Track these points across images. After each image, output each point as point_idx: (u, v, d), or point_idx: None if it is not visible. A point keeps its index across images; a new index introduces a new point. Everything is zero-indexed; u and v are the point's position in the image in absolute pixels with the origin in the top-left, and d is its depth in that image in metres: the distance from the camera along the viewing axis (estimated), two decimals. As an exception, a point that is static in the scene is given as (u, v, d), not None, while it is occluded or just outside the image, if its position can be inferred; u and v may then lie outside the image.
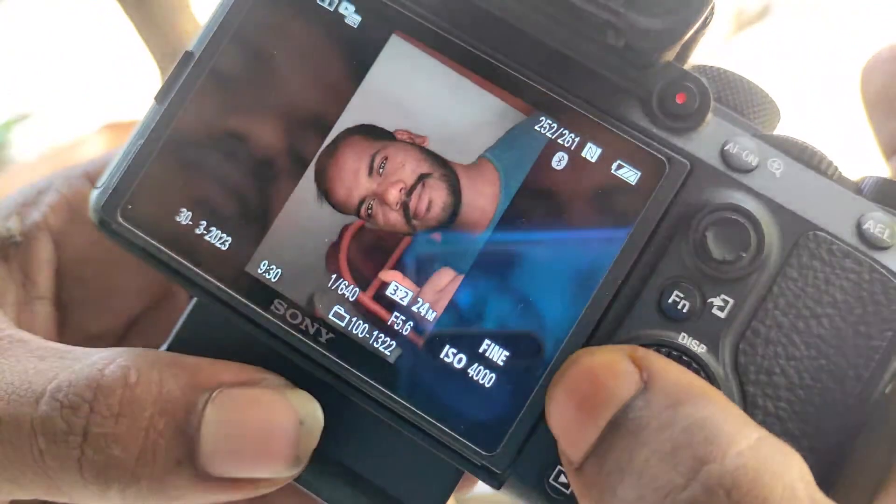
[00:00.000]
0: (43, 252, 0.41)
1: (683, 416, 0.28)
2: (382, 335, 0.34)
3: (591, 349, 0.32)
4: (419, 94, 0.35)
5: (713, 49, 2.06)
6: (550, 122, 0.34)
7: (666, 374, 0.30)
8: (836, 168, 0.35)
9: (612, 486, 0.28)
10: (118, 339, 0.44)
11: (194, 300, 0.37)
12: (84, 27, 1.95)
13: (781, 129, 0.38)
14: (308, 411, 0.34)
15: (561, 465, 0.33)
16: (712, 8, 0.33)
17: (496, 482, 0.34)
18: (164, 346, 0.37)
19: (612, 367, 0.30)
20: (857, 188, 0.35)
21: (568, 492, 0.33)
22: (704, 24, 0.34)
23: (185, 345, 0.37)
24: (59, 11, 1.97)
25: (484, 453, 0.33)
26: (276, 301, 0.35)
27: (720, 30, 2.17)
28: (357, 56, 0.35)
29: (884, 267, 0.33)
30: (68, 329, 0.42)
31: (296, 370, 0.35)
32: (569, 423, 0.31)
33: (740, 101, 0.37)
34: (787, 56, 1.82)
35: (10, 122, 1.68)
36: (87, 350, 0.34)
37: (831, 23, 1.85)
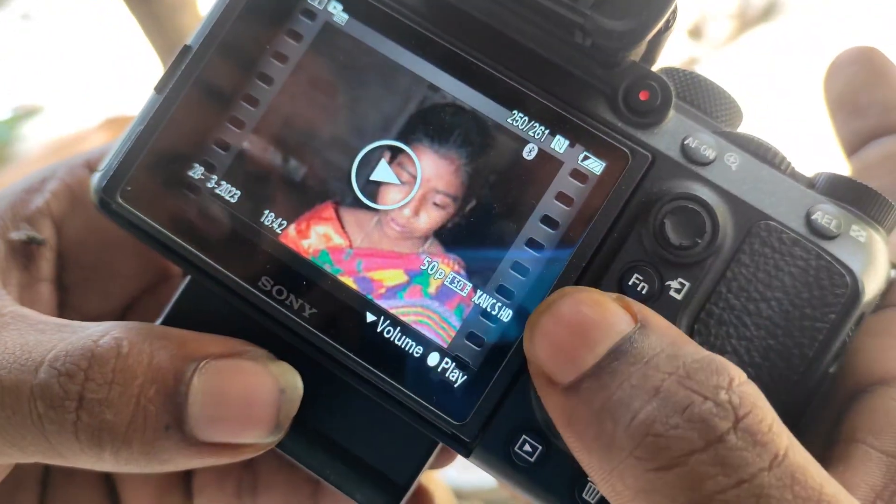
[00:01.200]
0: (45, 236, 0.43)
1: (689, 353, 0.31)
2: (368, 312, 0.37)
3: (578, 287, 0.34)
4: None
5: (718, 49, 2.08)
6: (522, 115, 0.37)
7: (658, 320, 0.32)
8: (790, 164, 0.38)
9: (624, 401, 0.30)
10: (116, 320, 0.46)
11: (187, 279, 0.40)
12: (90, 24, 1.96)
13: (745, 129, 0.40)
14: (288, 381, 0.37)
15: (526, 434, 0.35)
16: (674, 10, 0.36)
17: (465, 450, 0.36)
18: (158, 321, 0.40)
19: (605, 303, 0.32)
20: (811, 183, 0.37)
21: (532, 460, 0.35)
22: (667, 27, 0.37)
23: (177, 320, 0.39)
24: (67, 9, 1.98)
25: (454, 422, 0.36)
26: (263, 278, 0.37)
27: (725, 30, 2.18)
28: (343, 51, 0.38)
29: (829, 254, 0.35)
30: (68, 310, 0.44)
31: (280, 344, 0.37)
32: (559, 347, 0.32)
33: (705, 101, 0.40)
34: (793, 55, 1.83)
35: (19, 117, 1.70)
36: (84, 324, 0.36)
37: (837, 21, 1.86)
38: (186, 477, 0.48)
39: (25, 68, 1.87)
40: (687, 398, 0.29)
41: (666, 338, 0.31)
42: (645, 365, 0.30)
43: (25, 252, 0.42)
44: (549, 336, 0.32)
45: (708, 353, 0.31)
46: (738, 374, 0.30)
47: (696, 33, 2.26)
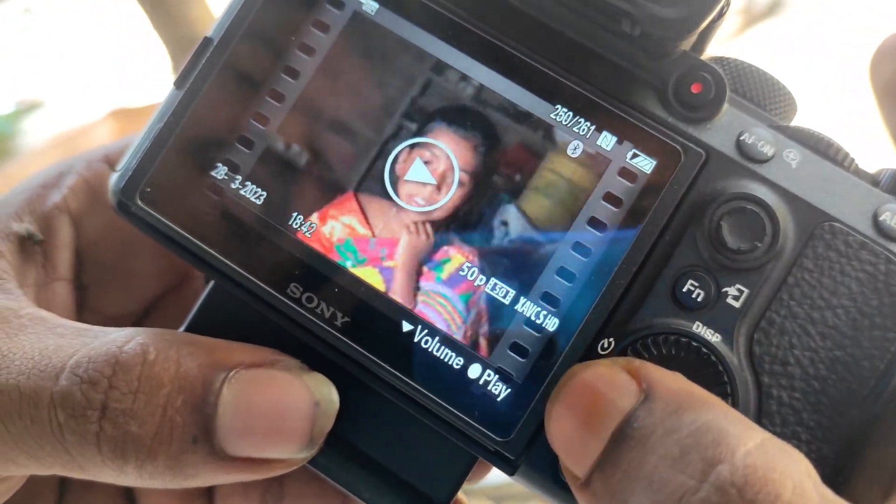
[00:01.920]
0: (62, 234, 0.41)
1: (688, 422, 0.28)
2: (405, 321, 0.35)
3: (586, 363, 0.32)
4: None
5: (723, 44, 2.06)
6: (566, 110, 0.34)
7: (665, 382, 0.30)
8: (853, 160, 0.36)
9: (622, 497, 0.28)
10: (136, 322, 0.45)
11: (211, 283, 0.38)
12: (95, 16, 1.95)
13: (798, 122, 0.38)
14: (323, 393, 0.35)
15: None
16: (728, -2, 0.34)
17: (510, 468, 0.34)
18: (182, 328, 0.38)
19: (610, 378, 0.31)
20: (874, 180, 0.35)
21: None
22: (721, 15, 0.35)
23: (201, 327, 0.37)
24: (68, 2, 1.98)
25: (498, 439, 0.34)
26: (292, 285, 0.35)
27: (730, 25, 2.17)
28: (373, 43, 0.36)
29: None
30: (87, 311, 0.43)
31: (311, 353, 0.35)
32: (571, 438, 0.31)
33: (757, 92, 0.37)
34: (798, 51, 1.82)
35: (20, 111, 1.68)
36: (106, 328, 0.35)
37: (842, 17, 1.85)
38: (209, 487, 0.45)
39: (27, 63, 1.86)
40: (679, 487, 0.27)
41: (669, 406, 0.29)
42: (642, 448, 0.29)
43: (25, 247, 0.40)
44: (561, 428, 0.31)
45: (711, 416, 0.29)
46: (745, 441, 0.28)
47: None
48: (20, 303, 0.36)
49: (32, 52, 1.87)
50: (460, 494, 0.43)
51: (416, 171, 0.36)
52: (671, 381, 0.30)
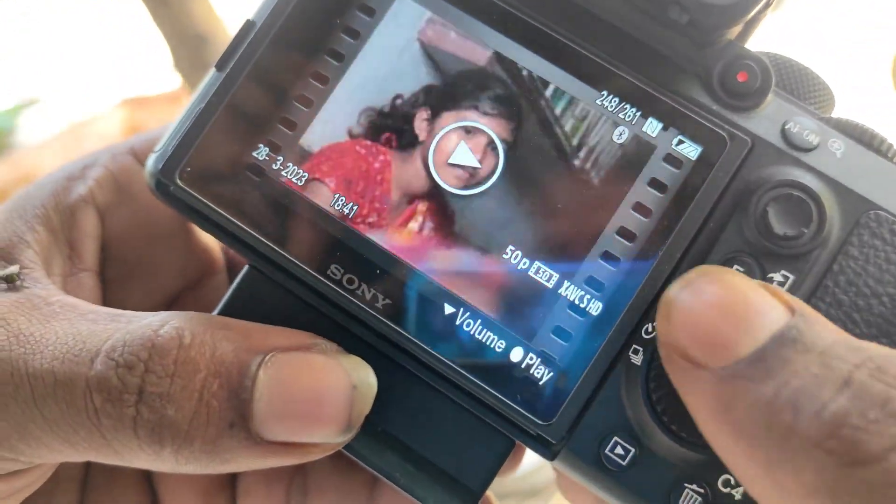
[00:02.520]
0: (88, 225, 0.41)
1: (871, 347, 0.29)
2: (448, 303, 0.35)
3: (718, 267, 0.32)
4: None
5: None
6: (612, 96, 0.35)
7: (815, 313, 0.30)
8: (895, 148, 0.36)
9: (806, 390, 0.27)
10: None
11: (245, 268, 0.38)
12: (93, 11, 1.95)
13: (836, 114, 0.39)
14: (361, 377, 0.35)
15: (618, 435, 0.34)
16: (775, -14, 0.34)
17: (550, 453, 0.34)
18: (216, 312, 0.38)
19: (755, 287, 0.30)
20: None
21: (624, 463, 0.34)
22: (768, 4, 0.35)
23: (235, 311, 0.37)
24: (70, 16, 1.97)
25: (540, 423, 0.34)
26: (332, 266, 0.35)
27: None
28: (419, 27, 0.36)
29: None
30: (110, 304, 0.42)
31: (347, 338, 0.36)
32: (707, 328, 0.30)
33: (797, 85, 0.38)
34: (799, 45, 1.82)
35: (18, 107, 1.68)
36: (138, 313, 0.35)
37: (843, 13, 1.86)
38: (231, 479, 0.46)
39: (27, 61, 1.86)
40: (885, 392, 0.27)
41: (834, 330, 0.29)
42: (823, 354, 0.28)
43: (70, 240, 0.40)
44: (694, 316, 0.30)
45: (875, 348, 0.28)
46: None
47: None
48: (49, 290, 0.36)
49: (31, 50, 1.87)
50: (488, 493, 0.43)
51: (461, 155, 0.36)
52: (820, 315, 0.30)
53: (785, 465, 0.27)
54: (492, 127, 0.36)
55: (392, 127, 0.36)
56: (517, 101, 0.36)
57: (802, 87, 0.38)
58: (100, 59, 1.84)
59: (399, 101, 0.36)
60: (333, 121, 0.36)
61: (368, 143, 0.36)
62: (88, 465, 0.44)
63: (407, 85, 0.36)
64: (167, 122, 0.38)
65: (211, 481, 0.45)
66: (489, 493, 0.44)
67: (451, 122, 0.36)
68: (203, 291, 0.47)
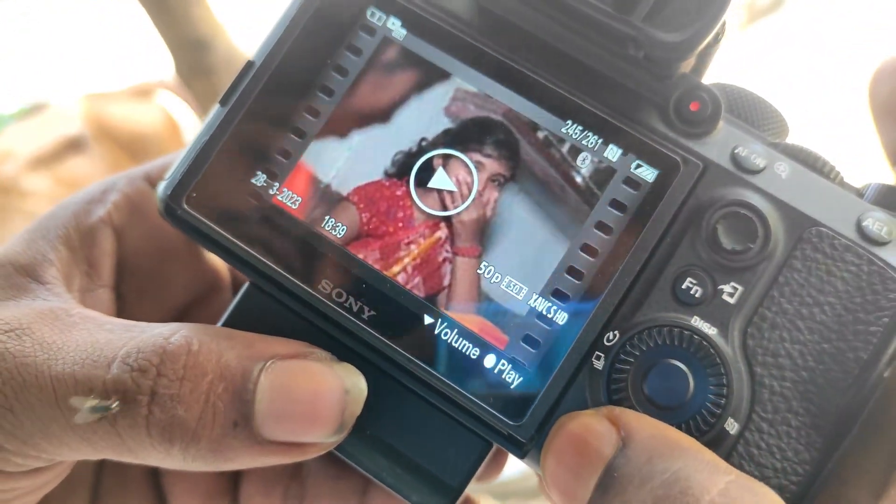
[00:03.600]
0: (106, 244, 0.45)
1: (660, 470, 0.32)
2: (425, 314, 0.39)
3: (572, 414, 0.36)
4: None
5: (727, 39, 2.06)
6: (576, 125, 0.39)
7: (641, 428, 0.34)
8: (839, 173, 0.40)
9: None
10: None
11: (246, 284, 0.42)
12: (97, 17, 1.96)
13: (794, 133, 0.43)
14: (353, 382, 0.39)
15: None
16: (724, 24, 0.38)
17: (521, 451, 0.38)
18: (220, 323, 0.43)
19: (592, 428, 0.34)
20: (860, 193, 0.39)
21: None
22: (717, 40, 0.39)
23: (237, 323, 0.41)
24: (70, 16, 1.99)
25: (511, 423, 0.38)
26: (323, 281, 0.39)
27: (733, 21, 2.19)
28: (400, 64, 0.41)
29: (881, 260, 0.37)
30: (124, 317, 0.46)
31: (339, 348, 0.40)
32: (563, 487, 0.35)
33: (753, 114, 0.42)
34: (799, 47, 1.84)
35: (24, 110, 1.70)
36: (151, 324, 0.38)
37: (842, 14, 1.88)
38: (234, 486, 0.50)
39: (27, 62, 1.88)
40: None
41: (644, 454, 0.33)
42: (622, 498, 0.32)
43: (89, 259, 0.44)
44: (554, 476, 0.35)
45: (680, 464, 0.32)
46: (710, 489, 0.31)
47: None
48: (69, 304, 0.40)
49: (36, 51, 1.89)
50: (473, 495, 0.47)
51: (440, 179, 0.40)
52: (647, 428, 0.34)
53: None
54: (469, 155, 0.40)
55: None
56: (491, 131, 0.40)
57: (758, 116, 0.41)
58: (106, 62, 1.86)
59: (381, 132, 0.41)
60: (324, 152, 0.41)
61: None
62: (100, 472, 0.48)
63: (389, 116, 0.41)
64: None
65: (215, 487, 0.49)
66: (473, 494, 0.49)
67: (431, 151, 0.40)
68: (210, 306, 0.51)
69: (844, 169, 0.40)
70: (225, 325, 0.42)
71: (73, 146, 1.52)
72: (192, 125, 1.57)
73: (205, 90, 1.57)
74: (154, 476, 0.49)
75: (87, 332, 0.38)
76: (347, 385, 0.38)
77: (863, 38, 1.72)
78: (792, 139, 0.42)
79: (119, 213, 0.46)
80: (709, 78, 0.42)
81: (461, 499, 0.45)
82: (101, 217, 0.45)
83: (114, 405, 0.35)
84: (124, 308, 0.47)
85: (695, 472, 0.32)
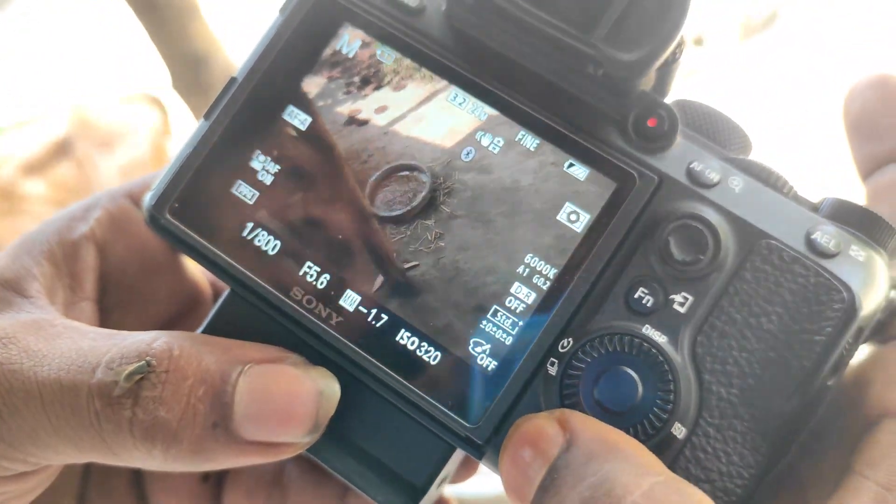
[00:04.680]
0: (89, 259, 0.47)
1: (592, 472, 0.34)
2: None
3: (527, 416, 0.38)
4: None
5: (723, 54, 2.10)
6: (537, 139, 0.42)
7: (584, 430, 0.36)
8: (792, 188, 0.42)
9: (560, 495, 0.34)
10: None
11: (225, 293, 0.45)
12: (95, 31, 1.98)
13: (754, 156, 0.44)
14: (326, 384, 0.41)
15: None
16: (680, 43, 0.40)
17: (477, 452, 0.40)
18: (200, 330, 0.45)
19: (542, 430, 0.36)
20: (815, 207, 0.41)
21: None
22: (674, 59, 0.41)
23: (217, 330, 0.44)
24: (70, 16, 2.01)
25: (468, 425, 0.40)
26: (295, 288, 0.42)
27: (729, 36, 2.21)
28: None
29: (828, 272, 0.39)
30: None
31: (313, 354, 0.42)
32: (514, 486, 0.37)
33: (714, 131, 0.44)
34: (793, 61, 1.87)
35: (21, 124, 1.73)
36: (133, 332, 0.40)
37: (835, 31, 1.90)
38: (217, 494, 0.52)
39: (28, 75, 1.90)
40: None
41: (583, 455, 0.35)
42: (557, 498, 0.34)
43: (72, 273, 0.46)
44: (508, 475, 0.37)
45: (611, 466, 0.34)
46: (633, 490, 0.33)
47: (698, 41, 2.31)
48: (53, 316, 0.42)
49: (33, 65, 1.91)
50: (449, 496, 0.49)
51: (393, 192, 0.42)
52: (590, 429, 0.36)
53: None
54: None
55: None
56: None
57: (718, 132, 0.44)
58: (103, 77, 1.88)
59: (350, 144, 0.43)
60: None
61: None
62: (86, 480, 0.50)
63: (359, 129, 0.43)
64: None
65: (198, 495, 0.51)
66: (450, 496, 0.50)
67: (387, 165, 0.43)
68: (192, 319, 0.53)
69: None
70: (205, 331, 0.45)
71: (62, 151, 1.55)
72: (182, 134, 1.59)
73: (201, 105, 1.59)
74: (138, 485, 0.51)
75: (72, 341, 0.40)
76: (321, 387, 0.40)
77: (854, 55, 1.74)
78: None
79: (102, 229, 0.48)
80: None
81: (436, 500, 0.47)
82: (83, 233, 0.47)
83: (149, 360, 0.38)
84: (107, 321, 0.49)
85: (622, 474, 0.33)
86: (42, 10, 2.04)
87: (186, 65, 1.49)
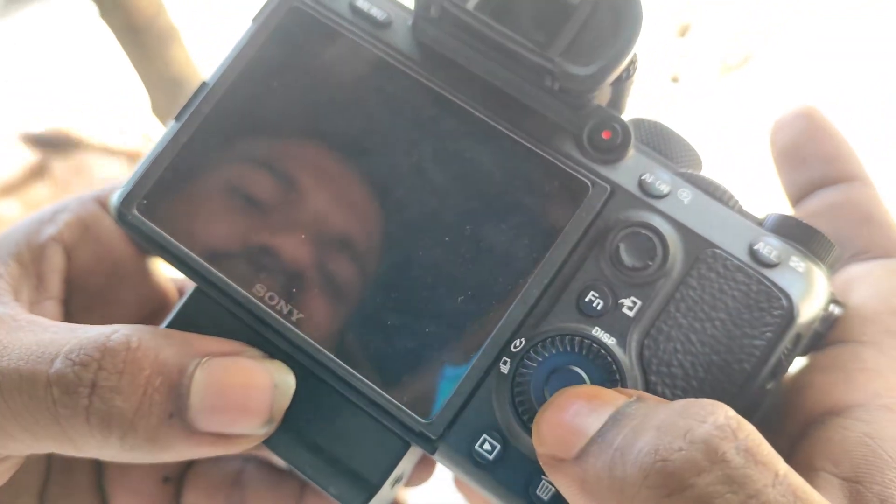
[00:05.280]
0: (56, 260, 0.48)
1: (679, 403, 0.34)
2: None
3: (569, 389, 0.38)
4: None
5: (699, 94, 2.14)
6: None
7: (645, 394, 0.37)
8: (738, 202, 0.44)
9: (629, 443, 0.33)
10: None
11: (189, 291, 0.46)
12: (77, 55, 1.99)
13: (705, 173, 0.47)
14: (281, 377, 0.42)
15: (487, 433, 0.41)
16: (633, 61, 0.42)
17: (431, 447, 0.42)
18: (163, 326, 0.46)
19: (600, 389, 0.38)
20: (760, 222, 0.44)
21: (491, 458, 0.41)
22: (628, 75, 0.44)
23: (180, 326, 0.45)
24: (51, 39, 2.02)
25: (422, 420, 0.41)
26: (258, 285, 0.44)
27: (705, 76, 2.26)
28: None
29: (769, 280, 0.41)
30: None
31: (272, 349, 0.44)
32: (563, 427, 0.36)
33: (667, 147, 0.46)
34: (767, 102, 1.91)
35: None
36: (93, 326, 0.42)
37: (808, 73, 1.94)
38: (176, 494, 0.53)
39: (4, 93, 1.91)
40: (686, 425, 0.32)
41: (654, 401, 0.36)
42: (644, 418, 0.34)
43: (38, 273, 0.48)
44: (554, 422, 0.37)
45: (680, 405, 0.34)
46: (729, 409, 0.33)
47: (674, 77, 2.35)
48: (16, 311, 0.43)
49: (15, 88, 1.92)
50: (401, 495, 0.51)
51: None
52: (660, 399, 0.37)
53: None
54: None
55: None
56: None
57: (671, 148, 0.46)
58: (83, 101, 1.89)
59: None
60: None
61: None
62: (46, 479, 0.51)
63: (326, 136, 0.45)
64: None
65: (157, 495, 0.53)
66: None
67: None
68: (156, 325, 0.54)
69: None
70: (168, 326, 0.46)
71: (40, 173, 1.57)
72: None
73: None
74: (99, 485, 0.53)
75: (33, 334, 0.41)
76: (276, 380, 0.42)
77: (826, 95, 1.78)
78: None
79: (70, 232, 0.49)
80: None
81: (391, 502, 0.48)
82: (51, 235, 0.48)
83: None
84: (72, 322, 0.49)
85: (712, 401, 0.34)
86: (23, 33, 2.06)
87: (166, 89, 1.51)
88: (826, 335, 0.43)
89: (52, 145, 1.64)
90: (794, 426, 0.41)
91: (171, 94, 1.52)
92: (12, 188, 1.60)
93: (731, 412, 0.33)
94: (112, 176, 1.67)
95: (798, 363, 0.44)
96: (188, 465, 0.55)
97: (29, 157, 1.63)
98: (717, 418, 0.32)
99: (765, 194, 0.44)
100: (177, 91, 1.52)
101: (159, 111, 1.57)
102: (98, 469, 0.53)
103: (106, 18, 1.52)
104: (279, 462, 0.55)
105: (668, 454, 0.31)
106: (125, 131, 1.76)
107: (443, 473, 0.49)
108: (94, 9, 1.59)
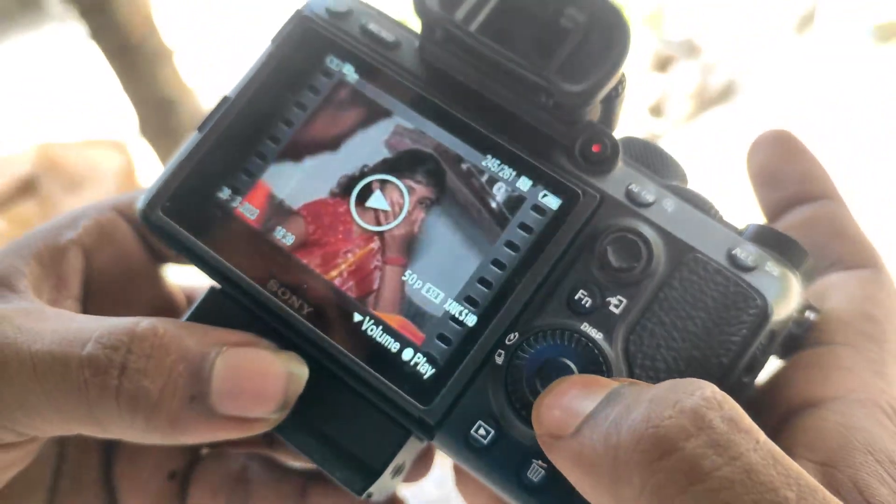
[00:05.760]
0: (75, 262, 0.51)
1: (669, 382, 0.37)
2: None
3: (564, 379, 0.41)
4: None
5: (679, 126, 2.19)
6: (494, 159, 0.47)
7: (636, 381, 0.39)
8: (719, 212, 0.48)
9: (622, 415, 0.36)
10: None
11: (208, 288, 0.50)
12: (65, 74, 2.01)
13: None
14: (295, 366, 0.46)
15: (482, 419, 0.44)
16: (623, 79, 0.46)
17: (429, 433, 0.45)
18: (183, 319, 0.50)
19: (595, 377, 0.41)
20: (739, 231, 0.47)
21: (485, 443, 0.44)
22: (618, 93, 0.48)
23: (198, 320, 0.49)
24: (40, 58, 2.04)
25: (421, 407, 0.45)
26: (271, 280, 0.47)
27: (685, 109, 2.30)
28: (353, 103, 0.50)
29: (745, 282, 0.45)
30: None
31: (285, 342, 0.47)
32: (561, 408, 0.39)
33: (655, 162, 0.51)
34: (748, 133, 1.96)
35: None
36: (119, 317, 0.44)
37: (789, 105, 1.99)
38: (183, 490, 0.56)
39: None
40: (676, 397, 0.35)
41: (651, 386, 0.38)
42: (636, 395, 0.37)
43: (58, 274, 0.51)
44: (553, 405, 0.40)
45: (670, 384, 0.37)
46: (714, 386, 0.36)
47: (657, 111, 2.40)
48: (41, 306, 0.46)
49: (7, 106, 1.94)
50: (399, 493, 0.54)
51: (376, 200, 0.48)
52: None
53: (620, 481, 0.35)
54: (402, 180, 0.49)
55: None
56: (423, 161, 0.49)
57: (658, 163, 0.50)
58: (71, 120, 1.91)
59: (331, 157, 0.49)
60: (281, 172, 0.50)
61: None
62: (57, 474, 0.54)
63: (337, 144, 0.50)
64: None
65: (165, 490, 0.56)
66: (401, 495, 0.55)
67: (371, 175, 0.49)
68: None
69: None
70: (188, 319, 0.50)
71: (27, 190, 1.59)
72: (147, 176, 1.62)
73: (170, 148, 1.62)
74: (107, 481, 0.55)
75: (61, 323, 0.43)
76: (291, 368, 0.45)
77: (808, 125, 1.83)
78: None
79: (89, 235, 0.52)
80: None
81: (391, 493, 0.52)
82: (71, 238, 0.51)
83: None
84: None
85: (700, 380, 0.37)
86: (11, 52, 2.08)
87: (156, 109, 1.53)
88: (804, 338, 0.47)
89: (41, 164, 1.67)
90: (775, 417, 0.44)
91: (162, 114, 1.53)
92: (-1, 205, 1.62)
93: (717, 389, 0.36)
94: (99, 195, 1.69)
95: (777, 365, 0.48)
96: (194, 462, 0.58)
97: (16, 173, 1.65)
98: (704, 392, 0.35)
99: (744, 218, 0.47)
100: (167, 111, 1.53)
101: (148, 131, 1.59)
102: (106, 464, 0.56)
103: (96, 39, 1.54)
104: (283, 460, 0.59)
105: (659, 422, 0.34)
106: (113, 150, 1.78)
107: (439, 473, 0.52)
108: (84, 30, 1.61)
